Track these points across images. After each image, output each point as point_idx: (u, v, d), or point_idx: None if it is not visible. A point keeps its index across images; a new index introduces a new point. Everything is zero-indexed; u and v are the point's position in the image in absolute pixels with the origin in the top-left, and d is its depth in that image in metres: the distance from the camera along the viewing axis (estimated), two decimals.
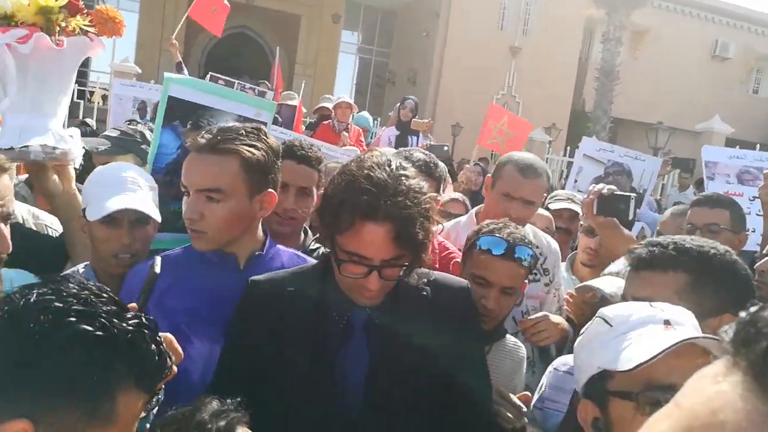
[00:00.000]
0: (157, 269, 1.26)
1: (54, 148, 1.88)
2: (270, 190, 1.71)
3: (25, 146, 1.83)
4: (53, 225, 2.15)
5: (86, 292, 0.88)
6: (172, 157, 2.23)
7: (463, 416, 1.54)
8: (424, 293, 1.52)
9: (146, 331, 0.90)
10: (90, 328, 0.83)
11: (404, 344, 1.47)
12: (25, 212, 2.11)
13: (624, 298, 1.53)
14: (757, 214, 3.77)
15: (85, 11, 1.96)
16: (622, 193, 2.19)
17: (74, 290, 0.87)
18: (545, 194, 2.64)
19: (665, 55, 21.38)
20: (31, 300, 0.84)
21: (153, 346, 0.90)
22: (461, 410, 1.53)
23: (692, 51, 22.05)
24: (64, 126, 2.02)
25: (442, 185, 2.50)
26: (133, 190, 1.83)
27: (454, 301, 1.58)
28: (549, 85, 19.64)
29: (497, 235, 1.85)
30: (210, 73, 5.43)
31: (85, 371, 0.82)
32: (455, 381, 1.52)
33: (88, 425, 0.84)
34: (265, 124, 2.23)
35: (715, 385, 0.38)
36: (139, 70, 9.07)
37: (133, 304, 1.16)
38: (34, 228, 2.11)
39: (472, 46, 19.52)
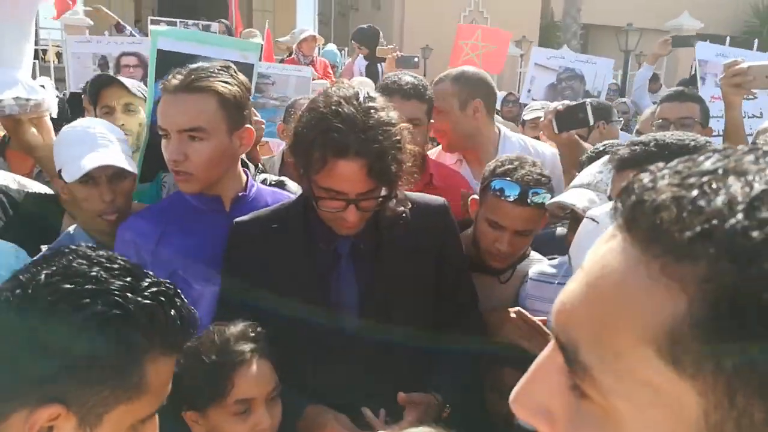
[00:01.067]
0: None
1: (27, 100, 1.85)
2: (247, 125, 1.72)
3: None
4: (41, 191, 2.12)
5: (96, 268, 0.85)
6: None
7: (451, 320, 1.62)
8: (404, 215, 1.57)
9: (163, 298, 0.87)
10: (105, 308, 0.81)
11: (389, 265, 1.56)
12: (10, 181, 2.09)
13: (610, 199, 1.54)
14: (747, 117, 3.79)
15: None
16: (575, 102, 2.19)
17: (84, 268, 0.84)
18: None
19: None
20: (41, 282, 0.82)
21: (173, 311, 0.88)
22: (449, 315, 1.62)
23: None
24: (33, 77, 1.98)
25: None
26: (105, 145, 1.81)
27: (433, 218, 1.65)
28: None
29: (510, 178, 1.78)
30: (151, 18, 5.14)
31: (108, 350, 0.81)
32: (441, 290, 1.61)
33: (121, 398, 0.83)
34: (252, 66, 2.25)
35: (605, 245, 0.44)
36: (91, 22, 8.62)
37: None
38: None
39: None
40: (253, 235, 1.59)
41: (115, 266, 0.87)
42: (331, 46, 8.67)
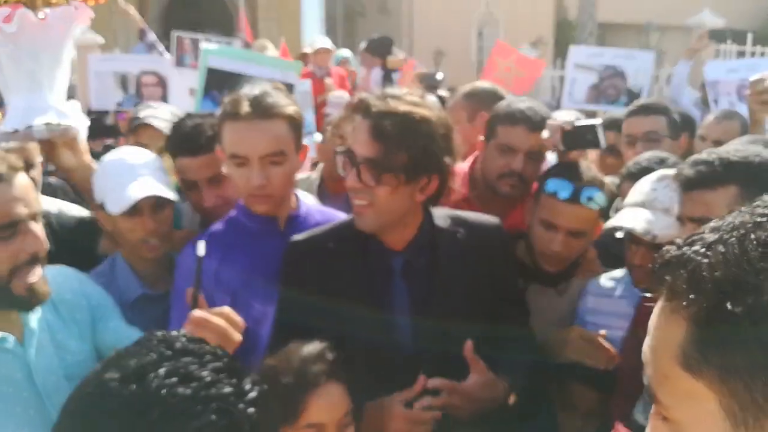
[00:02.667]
0: (201, 253, 1.37)
1: (57, 125, 1.91)
2: (304, 143, 1.84)
3: (29, 126, 1.87)
4: (77, 215, 2.15)
5: (207, 369, 0.83)
6: None
7: (503, 345, 1.62)
8: (458, 235, 1.62)
9: (264, 401, 0.86)
10: (215, 417, 0.79)
11: (442, 284, 1.59)
12: (50, 205, 2.10)
13: (680, 219, 1.57)
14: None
15: None
16: (585, 122, 2.01)
17: (195, 368, 0.83)
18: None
19: None
20: (155, 384, 0.80)
21: (268, 415, 0.88)
22: (502, 340, 1.61)
23: None
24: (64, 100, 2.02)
25: None
26: (145, 175, 1.86)
27: (487, 238, 1.67)
28: None
29: (564, 177, 1.82)
30: (174, 32, 4.94)
31: None
32: (494, 313, 1.62)
33: None
34: (292, 85, 2.36)
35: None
36: (102, 40, 8.41)
37: (190, 289, 1.39)
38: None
39: None
40: (310, 254, 1.64)
41: (222, 366, 0.85)
42: (344, 51, 8.45)
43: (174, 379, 0.80)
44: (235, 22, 13.35)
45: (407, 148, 1.45)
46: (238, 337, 1.35)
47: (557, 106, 5.23)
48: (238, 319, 1.38)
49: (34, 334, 1.49)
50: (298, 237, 1.68)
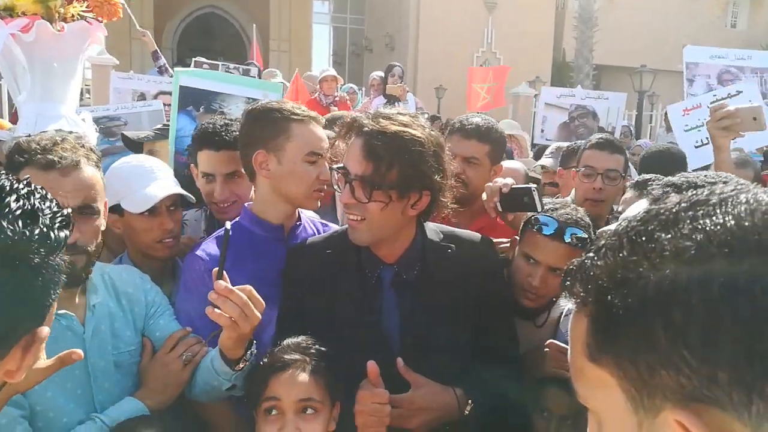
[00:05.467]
0: (228, 226, 1.42)
1: (69, 132, 1.95)
2: None
3: (41, 133, 1.93)
4: None
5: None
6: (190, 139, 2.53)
7: (489, 356, 1.64)
8: (449, 251, 1.66)
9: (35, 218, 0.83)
10: None
11: (429, 297, 1.62)
12: None
13: None
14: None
15: None
16: (521, 186, 2.04)
17: None
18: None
19: None
20: None
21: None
22: (488, 351, 1.65)
23: None
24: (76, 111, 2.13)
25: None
26: (161, 177, 1.95)
27: (477, 253, 1.71)
28: (528, 38, 19.40)
29: (550, 215, 1.86)
30: (194, 59, 5.32)
31: None
32: (481, 326, 1.65)
33: None
34: None
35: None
36: (117, 62, 8.85)
37: (215, 269, 1.40)
38: None
39: (446, 4, 19.18)
40: (307, 260, 1.70)
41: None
42: (353, 85, 8.84)
43: (20, 224, 0.76)
44: (247, 53, 13.87)
45: (398, 165, 1.49)
46: (257, 314, 1.39)
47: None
48: (259, 298, 1.42)
49: (95, 317, 1.55)
50: (297, 243, 1.78)
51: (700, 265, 0.51)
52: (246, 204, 1.98)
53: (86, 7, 2.01)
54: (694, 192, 0.59)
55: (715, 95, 3.79)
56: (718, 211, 0.54)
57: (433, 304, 1.61)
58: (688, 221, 0.54)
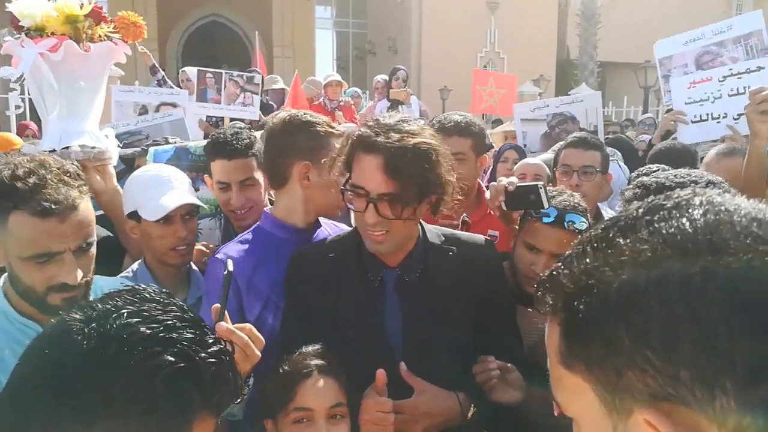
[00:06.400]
0: (231, 268, 1.37)
1: (93, 147, 2.03)
2: None
3: (65, 148, 1.98)
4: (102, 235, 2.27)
5: (170, 315, 0.83)
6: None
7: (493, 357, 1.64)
8: (450, 253, 1.67)
9: (226, 357, 0.86)
10: (173, 359, 0.78)
11: (431, 300, 1.62)
12: None
13: None
14: (729, 95, 3.61)
15: (109, 19, 2.12)
16: (527, 183, 2.00)
17: (158, 313, 0.83)
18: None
19: None
20: (116, 324, 0.79)
21: (230, 373, 0.86)
22: (492, 352, 1.64)
23: None
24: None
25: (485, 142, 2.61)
26: (177, 187, 2.01)
27: (478, 254, 1.72)
28: (531, 37, 19.38)
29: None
30: (197, 68, 5.38)
31: (165, 401, 0.79)
32: (484, 327, 1.65)
33: None
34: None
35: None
36: (122, 72, 8.91)
37: (216, 305, 1.33)
38: None
39: (448, 6, 19.19)
40: (311, 264, 1.70)
41: (187, 317, 0.85)
42: (357, 89, 8.89)
43: (135, 320, 0.80)
44: (251, 60, 13.91)
45: (421, 177, 1.50)
46: (257, 353, 1.36)
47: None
48: (259, 336, 1.40)
49: None
50: (301, 248, 1.77)
51: (656, 267, 0.53)
52: (266, 209, 2.02)
53: (113, 28, 2.09)
54: (653, 198, 0.60)
55: (731, 69, 3.65)
56: (673, 214, 0.56)
57: (435, 307, 1.61)
58: (646, 226, 0.56)
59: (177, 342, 0.80)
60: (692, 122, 3.74)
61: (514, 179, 2.06)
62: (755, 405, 0.48)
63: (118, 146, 2.28)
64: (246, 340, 1.34)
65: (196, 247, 2.15)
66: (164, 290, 0.90)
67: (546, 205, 1.89)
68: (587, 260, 0.58)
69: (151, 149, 2.51)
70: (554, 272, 0.62)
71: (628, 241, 0.56)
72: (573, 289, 0.58)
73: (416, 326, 1.61)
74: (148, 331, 0.79)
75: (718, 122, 3.63)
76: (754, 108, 2.41)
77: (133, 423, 0.77)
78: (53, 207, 1.36)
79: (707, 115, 3.72)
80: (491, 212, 2.21)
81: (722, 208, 0.55)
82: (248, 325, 1.38)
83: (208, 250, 2.20)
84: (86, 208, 1.46)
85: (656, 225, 0.56)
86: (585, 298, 0.56)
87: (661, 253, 0.53)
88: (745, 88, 3.45)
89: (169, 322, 0.82)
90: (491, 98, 6.52)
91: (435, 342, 1.60)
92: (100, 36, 2.08)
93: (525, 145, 4.72)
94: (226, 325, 1.35)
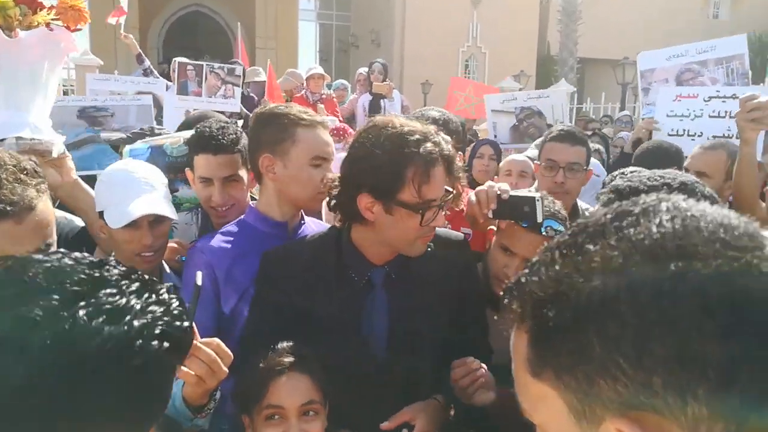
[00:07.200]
0: (199, 282, 1.31)
1: (31, 139, 1.92)
2: None
3: (1, 140, 1.86)
4: (74, 226, 2.17)
5: (128, 294, 0.72)
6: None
7: (466, 351, 1.68)
8: (429, 248, 1.64)
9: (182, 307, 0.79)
10: (158, 344, 0.70)
11: (418, 296, 1.64)
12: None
13: None
14: (710, 115, 3.64)
15: (48, 6, 1.96)
16: (523, 195, 1.88)
17: (117, 298, 0.70)
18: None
19: None
20: (75, 332, 0.64)
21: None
22: (462, 347, 1.68)
23: None
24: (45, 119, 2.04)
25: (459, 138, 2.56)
26: (148, 191, 1.89)
27: (454, 254, 1.74)
28: (513, 33, 19.53)
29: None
30: (175, 59, 5.37)
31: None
32: (458, 324, 1.68)
33: None
34: None
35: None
36: (101, 62, 8.83)
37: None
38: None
39: (431, 0, 19.25)
40: (286, 266, 1.66)
41: (138, 284, 0.74)
42: (342, 81, 8.87)
43: (100, 320, 0.65)
44: (233, 51, 13.82)
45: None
46: (224, 370, 1.32)
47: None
48: (227, 351, 1.35)
49: None
50: (272, 249, 1.73)
51: (627, 273, 0.53)
52: (251, 203, 2.01)
53: (54, 15, 1.97)
54: (620, 203, 0.60)
55: (718, 91, 3.68)
56: (641, 220, 0.56)
57: (421, 303, 1.63)
58: (615, 232, 0.56)
59: (153, 324, 0.71)
60: (669, 135, 3.75)
61: (506, 186, 1.97)
62: (727, 412, 0.48)
63: (77, 117, 2.20)
64: (213, 357, 1.30)
65: (168, 245, 2.05)
66: (93, 261, 0.75)
67: (540, 218, 1.80)
68: (556, 267, 0.57)
69: (126, 148, 2.39)
70: (522, 279, 0.61)
71: (597, 247, 0.56)
72: (542, 296, 0.57)
73: (402, 323, 1.62)
74: (123, 328, 0.68)
75: (692, 140, 3.63)
76: (744, 115, 2.38)
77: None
78: (8, 208, 1.29)
79: (684, 131, 3.75)
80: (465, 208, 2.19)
81: (688, 213, 0.55)
82: (216, 340, 1.34)
83: (181, 248, 2.12)
84: (45, 208, 1.38)
85: (625, 231, 0.56)
86: (555, 305, 0.56)
87: (632, 259, 0.53)
88: (726, 112, 3.51)
89: (136, 305, 0.71)
90: (467, 103, 6.59)
91: (419, 338, 1.62)
92: (38, 24, 1.96)
93: (495, 136, 4.81)
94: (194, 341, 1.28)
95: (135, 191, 1.86)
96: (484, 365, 1.60)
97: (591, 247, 0.56)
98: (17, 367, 0.61)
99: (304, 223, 1.99)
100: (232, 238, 1.89)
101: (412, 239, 1.57)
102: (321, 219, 2.30)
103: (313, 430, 1.47)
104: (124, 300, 0.70)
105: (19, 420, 0.62)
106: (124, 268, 0.76)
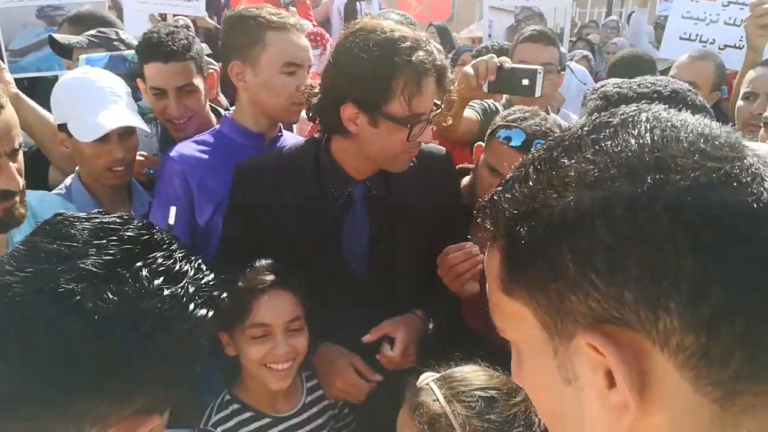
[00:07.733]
0: (171, 221, 1.30)
1: None
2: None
3: None
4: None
5: (178, 258, 0.73)
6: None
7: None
8: (412, 162, 1.59)
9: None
10: (206, 312, 0.73)
11: (400, 211, 1.61)
12: None
13: None
14: (725, 22, 3.56)
15: None
16: (524, 66, 1.80)
17: (170, 262, 0.71)
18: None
19: None
20: (135, 289, 0.66)
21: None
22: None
23: None
24: None
25: None
26: (115, 101, 1.79)
27: (438, 167, 1.70)
28: None
29: (518, 125, 1.77)
30: None
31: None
32: (439, 239, 1.64)
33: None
34: None
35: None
36: None
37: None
38: None
39: None
40: (260, 179, 1.60)
41: (184, 251, 0.76)
42: None
43: (159, 280, 0.68)
44: None
45: None
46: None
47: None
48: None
49: None
50: (246, 160, 1.67)
51: (602, 187, 0.51)
52: (226, 113, 1.96)
53: None
54: (597, 115, 0.58)
55: None
56: (619, 132, 0.54)
57: (402, 219, 1.60)
58: (591, 145, 0.54)
59: (201, 291, 0.74)
60: (680, 38, 3.67)
61: (507, 59, 1.91)
62: (698, 323, 0.48)
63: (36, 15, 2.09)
64: None
65: (138, 160, 1.98)
66: (139, 224, 0.74)
67: (539, 93, 1.75)
68: (530, 183, 0.56)
69: (82, 57, 2.22)
70: (495, 197, 0.60)
71: (572, 161, 0.54)
72: (515, 213, 0.56)
73: (383, 240, 1.60)
74: (180, 291, 0.70)
75: (703, 46, 3.52)
76: (754, 21, 2.35)
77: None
78: None
79: (697, 36, 3.66)
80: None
81: (669, 124, 0.54)
82: None
83: (147, 161, 2.05)
84: (11, 108, 1.37)
85: (602, 144, 0.54)
86: (528, 222, 0.55)
87: (607, 173, 0.51)
88: (742, 20, 3.35)
89: (189, 270, 0.73)
90: (421, 5, 6.03)
91: (400, 254, 1.61)
92: None
93: (490, 35, 4.60)
94: None
95: (101, 102, 1.76)
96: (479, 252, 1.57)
97: (566, 161, 0.54)
98: (76, 324, 0.62)
99: (281, 135, 1.93)
100: (207, 148, 1.83)
101: (397, 154, 1.50)
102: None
103: (299, 344, 1.50)
104: (177, 264, 0.71)
105: (70, 373, 0.62)
106: (165, 231, 0.76)
